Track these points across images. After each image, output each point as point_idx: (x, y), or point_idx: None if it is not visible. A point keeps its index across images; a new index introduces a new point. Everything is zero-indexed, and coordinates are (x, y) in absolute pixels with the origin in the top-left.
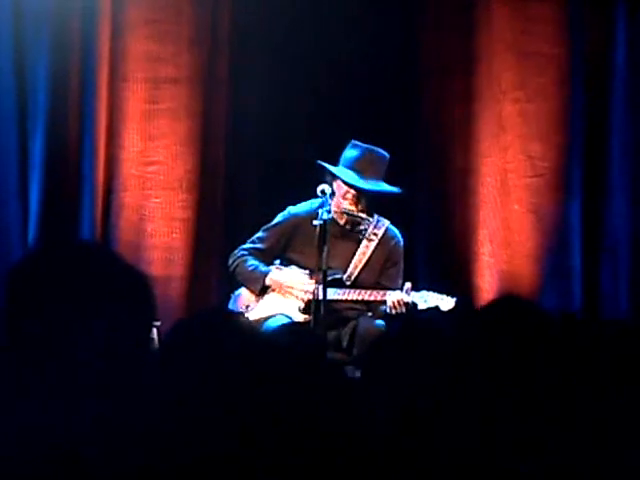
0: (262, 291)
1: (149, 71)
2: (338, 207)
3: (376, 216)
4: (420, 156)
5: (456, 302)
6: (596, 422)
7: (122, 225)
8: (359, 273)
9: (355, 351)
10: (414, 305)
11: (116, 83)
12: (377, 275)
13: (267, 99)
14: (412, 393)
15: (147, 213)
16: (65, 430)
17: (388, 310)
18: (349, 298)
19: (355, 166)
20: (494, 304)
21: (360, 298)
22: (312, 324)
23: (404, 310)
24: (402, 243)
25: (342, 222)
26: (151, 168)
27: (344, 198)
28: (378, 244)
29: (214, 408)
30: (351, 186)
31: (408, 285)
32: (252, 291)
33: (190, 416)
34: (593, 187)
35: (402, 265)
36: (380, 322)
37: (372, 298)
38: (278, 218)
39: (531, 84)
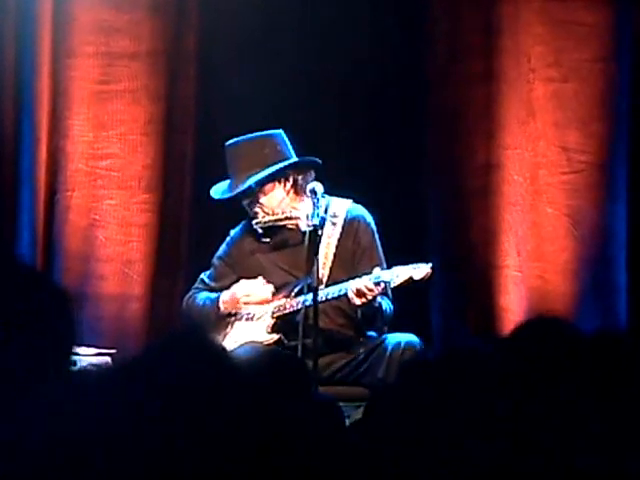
0: (223, 321)
1: (101, 44)
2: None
3: (327, 198)
4: (432, 150)
5: (432, 267)
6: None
7: (68, 232)
8: (330, 272)
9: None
10: (386, 284)
11: (60, 59)
12: (351, 268)
13: (244, 79)
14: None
15: (99, 217)
16: None
17: (353, 299)
18: (328, 298)
19: (228, 172)
20: (523, 328)
21: (339, 294)
22: (300, 350)
23: (371, 297)
24: (370, 220)
25: (291, 226)
26: (104, 163)
27: (254, 213)
28: (342, 232)
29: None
30: (227, 199)
31: (377, 269)
32: (211, 329)
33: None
34: None
35: (378, 245)
36: (412, 338)
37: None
38: (223, 246)
39: (567, 61)
